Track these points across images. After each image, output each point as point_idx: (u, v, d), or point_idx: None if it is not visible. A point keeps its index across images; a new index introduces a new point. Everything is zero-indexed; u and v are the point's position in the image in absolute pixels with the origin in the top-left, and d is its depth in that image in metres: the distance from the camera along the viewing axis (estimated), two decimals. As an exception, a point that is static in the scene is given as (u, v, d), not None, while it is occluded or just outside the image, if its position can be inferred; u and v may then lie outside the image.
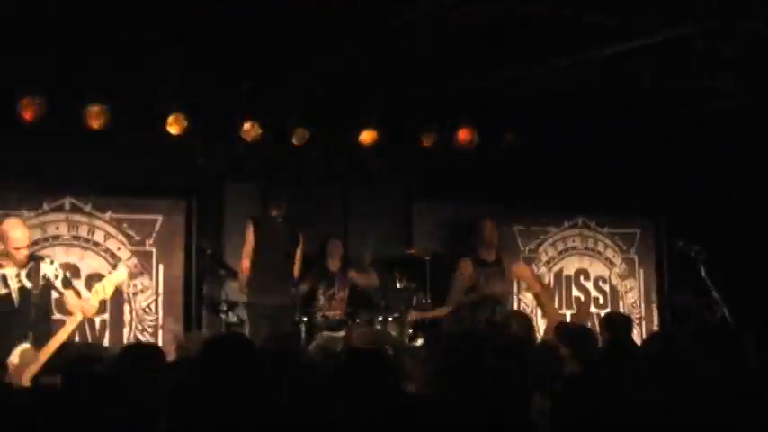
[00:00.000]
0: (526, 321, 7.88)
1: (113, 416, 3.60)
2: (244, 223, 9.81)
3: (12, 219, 8.75)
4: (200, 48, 9.25)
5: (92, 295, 8.68)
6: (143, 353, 5.09)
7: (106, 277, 8.78)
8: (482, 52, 9.36)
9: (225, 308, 10.35)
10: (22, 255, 8.33)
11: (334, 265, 10.48)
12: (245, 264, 9.67)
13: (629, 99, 10.65)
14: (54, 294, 8.59)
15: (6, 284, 8.35)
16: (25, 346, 8.06)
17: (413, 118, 11.13)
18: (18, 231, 8.38)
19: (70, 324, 8.55)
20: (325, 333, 9.72)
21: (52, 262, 8.59)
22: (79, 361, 5.94)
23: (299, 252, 9.84)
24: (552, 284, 12.55)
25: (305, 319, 9.83)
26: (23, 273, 8.38)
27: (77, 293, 8.68)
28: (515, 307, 11.59)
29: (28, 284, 8.37)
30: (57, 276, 8.47)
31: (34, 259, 8.49)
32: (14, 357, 8.03)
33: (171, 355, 7.57)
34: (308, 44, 9.39)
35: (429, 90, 10.67)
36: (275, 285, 9.49)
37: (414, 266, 10.77)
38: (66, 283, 8.53)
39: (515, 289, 12.00)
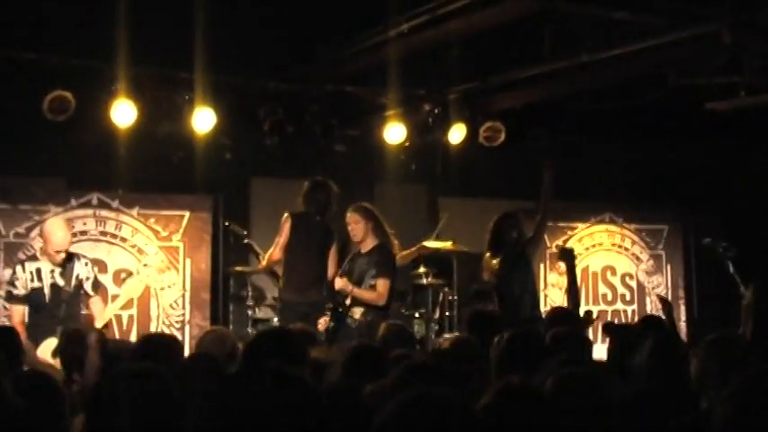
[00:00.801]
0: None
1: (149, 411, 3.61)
2: (276, 218, 9.76)
3: (55, 220, 8.88)
4: (227, 44, 9.28)
5: (122, 294, 8.97)
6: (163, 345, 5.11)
7: (135, 277, 9.03)
8: (509, 49, 9.36)
9: (252, 303, 10.40)
10: (60, 257, 8.46)
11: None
12: (274, 253, 9.60)
13: (656, 95, 10.60)
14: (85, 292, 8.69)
15: (40, 278, 8.45)
16: (52, 340, 8.13)
17: (438, 114, 11.11)
18: (60, 234, 8.52)
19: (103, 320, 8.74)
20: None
21: (87, 263, 8.69)
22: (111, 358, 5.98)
23: (333, 250, 9.85)
24: (579, 281, 12.52)
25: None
26: (57, 270, 8.49)
27: (104, 300, 8.84)
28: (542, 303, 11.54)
29: (60, 282, 8.49)
30: (88, 279, 8.58)
31: (69, 258, 8.58)
32: (41, 351, 8.11)
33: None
34: (333, 40, 9.42)
35: (457, 86, 10.68)
36: (309, 283, 9.45)
37: (440, 262, 10.76)
38: (95, 287, 8.63)
39: (542, 284, 11.99)
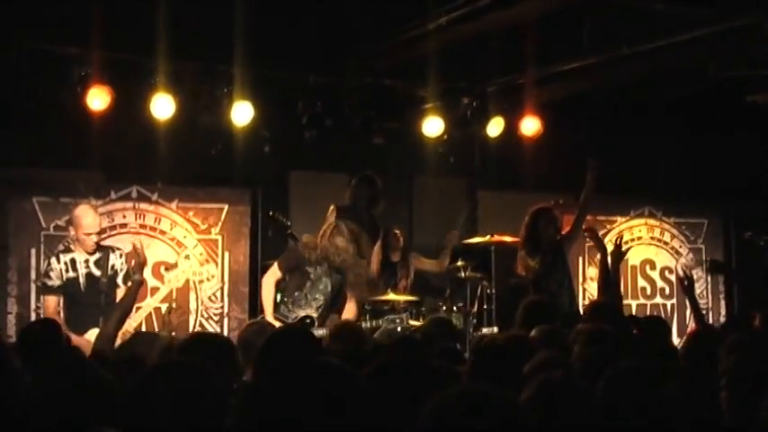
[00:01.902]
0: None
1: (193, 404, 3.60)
2: (315, 211, 9.76)
3: (83, 205, 8.94)
4: (266, 37, 9.30)
5: (164, 285, 9.02)
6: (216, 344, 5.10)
7: (179, 268, 9.08)
8: (548, 41, 9.32)
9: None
10: (92, 241, 8.51)
11: (395, 255, 10.47)
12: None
13: (697, 87, 10.53)
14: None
15: (75, 269, 8.49)
16: (95, 331, 8.18)
17: (477, 107, 11.10)
18: (89, 218, 8.57)
19: (143, 311, 8.78)
20: (390, 317, 9.69)
21: (121, 255, 8.73)
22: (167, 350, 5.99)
23: (377, 246, 9.83)
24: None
25: (369, 307, 9.82)
26: (92, 260, 8.54)
27: (143, 292, 8.88)
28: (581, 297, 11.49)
29: (96, 272, 8.53)
30: (121, 270, 8.62)
31: (103, 249, 8.63)
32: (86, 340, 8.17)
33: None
34: (372, 33, 9.41)
35: (495, 79, 10.66)
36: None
37: (479, 255, 10.74)
38: (126, 279, 8.64)
39: (580, 278, 11.94)
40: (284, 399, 2.78)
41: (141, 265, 7.65)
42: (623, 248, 9.00)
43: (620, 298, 8.99)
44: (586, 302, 11.71)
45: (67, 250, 8.75)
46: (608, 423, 3.65)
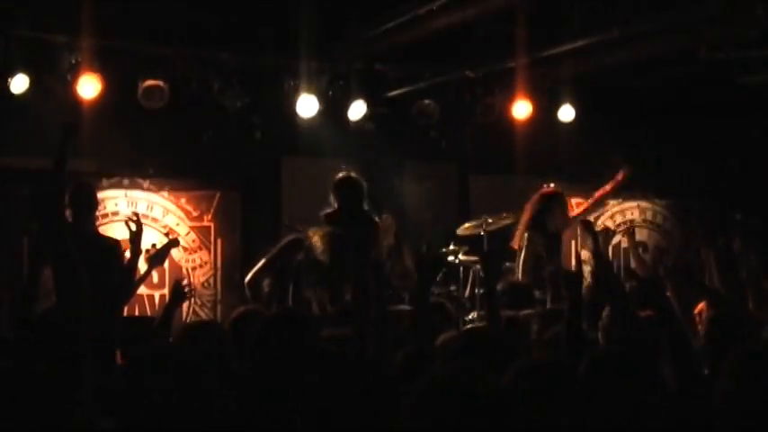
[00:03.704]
0: None
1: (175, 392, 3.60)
2: (306, 197, 9.71)
3: None
4: (256, 23, 9.29)
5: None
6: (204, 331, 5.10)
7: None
8: (540, 24, 9.32)
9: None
10: None
11: (388, 240, 10.41)
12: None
13: (688, 69, 10.52)
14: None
15: None
16: None
17: (468, 90, 11.10)
18: None
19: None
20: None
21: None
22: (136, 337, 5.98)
23: (378, 240, 9.79)
24: (611, 257, 12.45)
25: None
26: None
27: None
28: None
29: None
30: None
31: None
32: None
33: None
34: (362, 18, 9.40)
35: (486, 63, 10.64)
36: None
37: (471, 240, 10.73)
38: None
39: (573, 261, 11.95)
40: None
41: (138, 234, 7.51)
42: (610, 232, 9.07)
43: (614, 276, 8.93)
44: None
45: None
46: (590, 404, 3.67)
